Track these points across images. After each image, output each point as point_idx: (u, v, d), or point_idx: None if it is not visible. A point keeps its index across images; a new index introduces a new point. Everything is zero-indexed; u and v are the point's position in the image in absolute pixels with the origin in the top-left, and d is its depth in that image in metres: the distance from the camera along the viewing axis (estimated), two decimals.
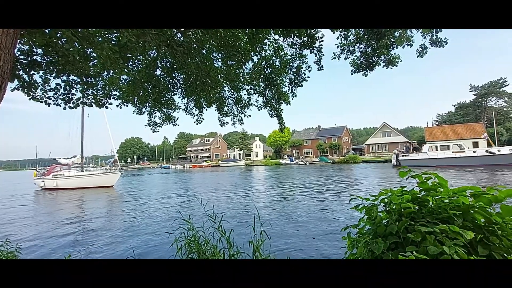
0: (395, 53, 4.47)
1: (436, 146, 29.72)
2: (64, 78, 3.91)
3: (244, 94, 6.13)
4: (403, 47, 4.26)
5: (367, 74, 4.88)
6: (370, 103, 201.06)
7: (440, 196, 1.77)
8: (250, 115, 6.48)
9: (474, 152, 26.83)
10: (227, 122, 6.41)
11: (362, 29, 4.34)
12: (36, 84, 3.61)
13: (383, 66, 4.65)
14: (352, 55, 4.79)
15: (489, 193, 1.57)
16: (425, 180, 1.87)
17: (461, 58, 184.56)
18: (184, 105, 6.30)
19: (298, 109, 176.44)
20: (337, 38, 4.67)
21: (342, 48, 4.76)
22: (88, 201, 14.48)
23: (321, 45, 4.65)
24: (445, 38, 3.93)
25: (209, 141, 79.70)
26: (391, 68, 4.62)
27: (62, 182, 20.89)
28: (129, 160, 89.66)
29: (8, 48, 1.59)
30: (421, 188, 1.90)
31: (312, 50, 4.74)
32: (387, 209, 1.96)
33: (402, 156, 31.18)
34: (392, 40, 4.22)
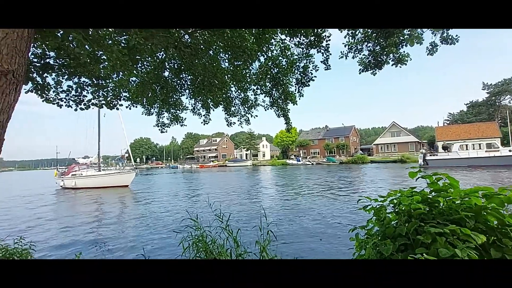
0: (404, 51, 4.37)
1: (467, 145, 28.12)
2: (76, 80, 4.01)
3: (251, 94, 6.15)
4: (413, 45, 4.17)
5: (376, 73, 4.78)
6: (378, 101, 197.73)
7: (451, 197, 1.73)
8: (256, 115, 6.49)
9: (510, 151, 25.13)
10: (234, 123, 6.44)
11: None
12: (49, 86, 3.71)
13: (392, 65, 4.55)
14: (360, 54, 4.70)
15: (501, 193, 1.52)
16: (435, 180, 1.83)
17: (466, 57, 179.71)
18: (192, 106, 6.36)
19: (305, 108, 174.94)
20: (345, 36, 4.60)
21: (349, 47, 4.68)
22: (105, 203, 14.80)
23: (328, 44, 4.60)
24: (456, 36, 3.83)
25: (216, 141, 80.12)
26: (400, 67, 4.52)
27: (80, 181, 21.34)
28: (138, 160, 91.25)
29: (22, 52, 1.64)
30: (431, 189, 1.86)
31: (319, 50, 4.69)
32: (396, 210, 1.93)
33: (430, 155, 29.22)
34: (401, 38, 4.13)
